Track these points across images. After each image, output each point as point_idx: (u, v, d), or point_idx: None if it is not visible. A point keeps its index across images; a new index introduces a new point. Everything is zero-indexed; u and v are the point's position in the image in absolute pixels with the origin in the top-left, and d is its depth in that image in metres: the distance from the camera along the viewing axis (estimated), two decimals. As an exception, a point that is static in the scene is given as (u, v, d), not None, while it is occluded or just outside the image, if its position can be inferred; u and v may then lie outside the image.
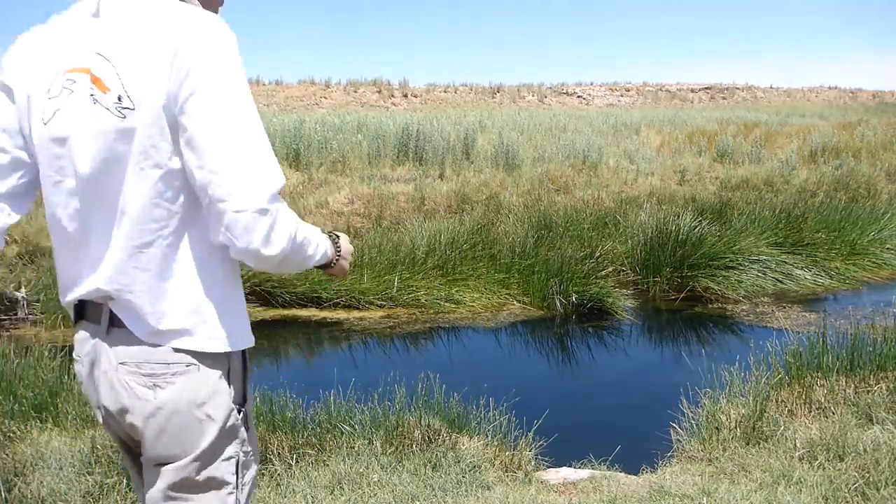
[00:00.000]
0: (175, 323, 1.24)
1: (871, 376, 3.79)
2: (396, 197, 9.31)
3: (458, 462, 3.08)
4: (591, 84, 31.95)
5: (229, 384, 1.31)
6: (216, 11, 1.37)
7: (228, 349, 1.31)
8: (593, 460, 3.38)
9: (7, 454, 3.08)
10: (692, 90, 32.35)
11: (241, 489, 1.34)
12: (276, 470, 3.00)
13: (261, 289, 6.66)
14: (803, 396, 3.64)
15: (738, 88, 33.42)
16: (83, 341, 1.33)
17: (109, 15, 1.20)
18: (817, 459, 3.01)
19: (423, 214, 8.78)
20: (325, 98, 25.64)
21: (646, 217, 7.76)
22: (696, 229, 7.29)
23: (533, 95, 29.29)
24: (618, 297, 6.52)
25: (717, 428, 3.42)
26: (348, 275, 1.53)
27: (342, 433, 3.34)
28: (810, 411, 3.53)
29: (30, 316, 6.16)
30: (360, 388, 3.71)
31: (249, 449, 1.36)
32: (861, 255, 7.74)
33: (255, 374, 5.15)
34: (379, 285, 6.66)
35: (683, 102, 29.93)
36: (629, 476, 3.18)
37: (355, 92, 26.91)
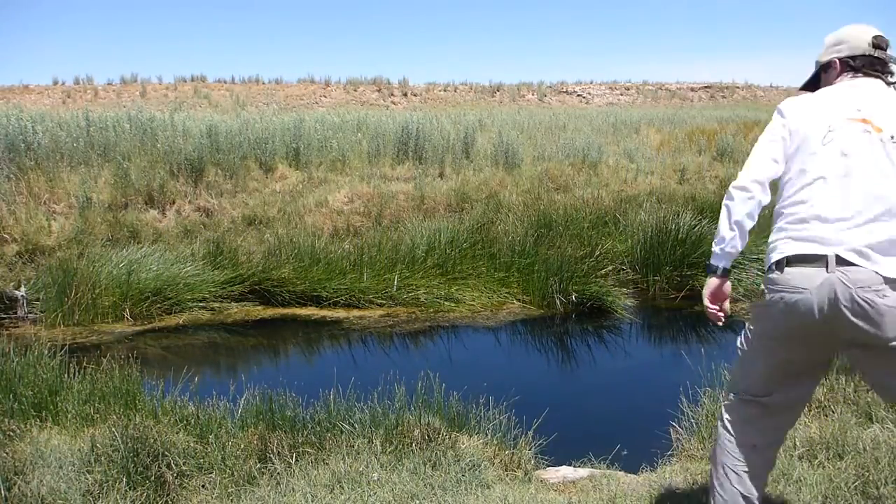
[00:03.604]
0: None
1: (871, 375, 3.79)
2: (396, 196, 9.30)
3: (458, 461, 3.08)
4: (591, 83, 31.92)
5: None
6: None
7: None
8: (593, 459, 3.38)
9: (7, 453, 3.07)
10: (692, 89, 32.33)
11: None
12: (276, 469, 3.01)
13: (260, 287, 6.66)
14: (803, 395, 3.64)
15: (737, 87, 33.39)
16: None
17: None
18: (817, 458, 3.01)
19: (423, 213, 8.78)
20: (325, 97, 25.63)
21: (645, 216, 7.76)
22: (696, 228, 7.29)
23: (533, 94, 29.27)
24: (617, 296, 6.52)
25: (717, 427, 3.42)
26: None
27: (342, 432, 3.34)
28: (810, 410, 3.53)
29: (29, 315, 6.16)
30: (360, 386, 3.71)
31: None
32: (861, 254, 7.72)
33: (255, 373, 5.11)
34: (378, 284, 6.66)
35: (683, 101, 29.92)
36: (629, 475, 3.18)
37: (355, 90, 26.90)
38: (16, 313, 6.18)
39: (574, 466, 3.29)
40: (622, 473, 3.20)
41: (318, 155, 10.80)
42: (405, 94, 27.09)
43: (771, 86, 34.76)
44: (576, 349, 5.81)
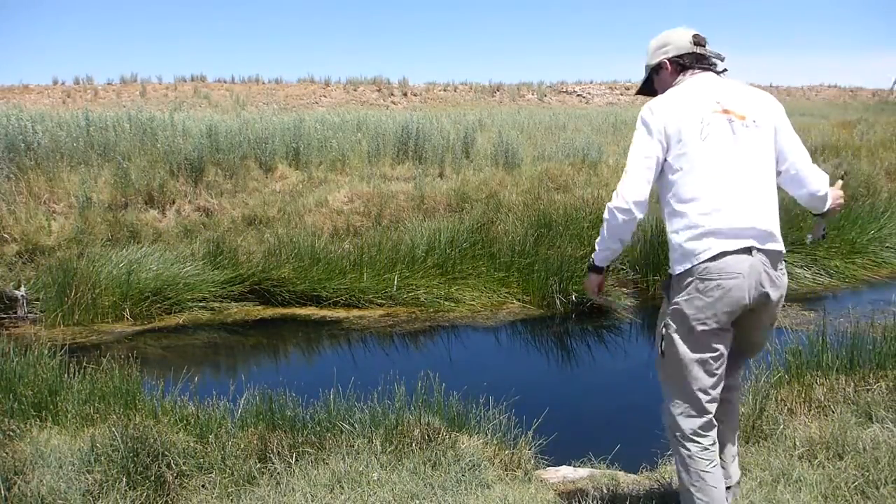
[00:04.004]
0: None
1: (871, 375, 3.79)
2: (396, 195, 9.30)
3: (458, 461, 3.08)
4: (591, 82, 31.89)
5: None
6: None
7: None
8: (593, 459, 3.38)
9: (7, 452, 3.08)
10: (692, 89, 32.29)
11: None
12: (275, 468, 3.01)
13: (260, 287, 6.66)
14: (803, 395, 3.65)
15: (737, 87, 33.34)
16: None
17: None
18: (817, 458, 3.01)
19: (423, 213, 8.77)
20: (325, 97, 25.61)
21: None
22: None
23: (532, 94, 29.25)
24: (618, 296, 6.53)
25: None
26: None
27: (342, 432, 3.34)
28: (810, 410, 3.53)
29: (29, 314, 6.16)
30: (360, 386, 3.71)
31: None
32: (860, 254, 7.74)
33: (255, 373, 5.09)
34: (378, 284, 6.66)
35: (683, 101, 29.86)
36: (629, 475, 3.19)
37: (355, 90, 26.88)
38: (16, 313, 6.18)
39: (574, 466, 3.29)
40: (622, 473, 3.20)
41: (318, 155, 10.79)
42: (405, 94, 27.08)
43: (771, 85, 34.75)
44: (576, 349, 5.81)
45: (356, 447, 3.19)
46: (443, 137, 11.99)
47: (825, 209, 2.41)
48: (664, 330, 2.27)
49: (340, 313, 6.45)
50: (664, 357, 2.29)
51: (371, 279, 6.71)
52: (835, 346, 4.08)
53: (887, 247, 7.99)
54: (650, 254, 7.15)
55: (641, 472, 3.24)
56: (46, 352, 4.16)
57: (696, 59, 2.33)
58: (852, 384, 3.70)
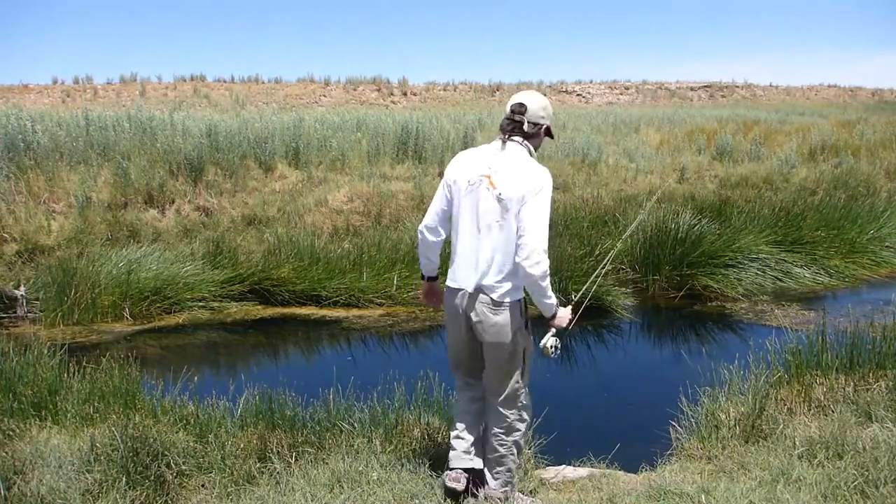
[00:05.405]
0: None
1: (871, 374, 3.80)
2: (396, 195, 9.30)
3: (458, 460, 3.07)
4: (591, 82, 31.89)
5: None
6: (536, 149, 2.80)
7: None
8: (593, 459, 3.38)
9: (6, 452, 3.07)
10: (691, 88, 32.29)
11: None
12: (275, 468, 3.01)
13: (260, 287, 6.66)
14: (803, 395, 3.65)
15: (737, 87, 33.34)
16: None
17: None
18: (816, 457, 3.02)
19: (423, 213, 8.76)
20: (325, 96, 25.61)
21: (645, 215, 7.76)
22: (696, 227, 7.29)
23: (532, 93, 29.19)
24: (617, 296, 6.52)
25: (716, 426, 3.43)
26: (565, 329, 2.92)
27: (342, 431, 3.34)
28: (809, 409, 3.54)
29: (29, 314, 6.16)
30: (360, 386, 3.71)
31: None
32: (860, 254, 7.74)
33: (254, 373, 5.08)
34: (378, 283, 6.66)
35: (683, 100, 29.88)
36: (628, 474, 3.19)
37: (355, 90, 26.87)
38: (15, 312, 6.18)
39: (574, 466, 3.29)
40: (622, 473, 3.20)
41: (317, 154, 10.79)
42: (405, 94, 27.08)
43: (770, 85, 34.74)
44: (575, 348, 5.80)
45: (356, 447, 3.19)
46: (442, 137, 11.99)
47: (549, 313, 2.85)
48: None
49: (340, 313, 6.45)
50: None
51: (371, 279, 6.70)
52: (835, 345, 4.09)
53: (887, 246, 8.00)
54: (650, 254, 7.15)
55: (641, 472, 3.24)
56: (46, 351, 4.15)
57: (506, 123, 2.75)
58: (852, 384, 3.70)
